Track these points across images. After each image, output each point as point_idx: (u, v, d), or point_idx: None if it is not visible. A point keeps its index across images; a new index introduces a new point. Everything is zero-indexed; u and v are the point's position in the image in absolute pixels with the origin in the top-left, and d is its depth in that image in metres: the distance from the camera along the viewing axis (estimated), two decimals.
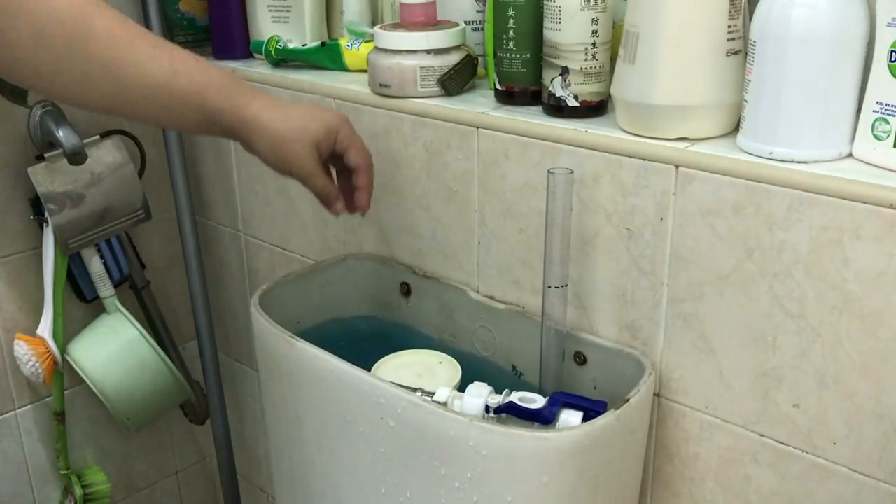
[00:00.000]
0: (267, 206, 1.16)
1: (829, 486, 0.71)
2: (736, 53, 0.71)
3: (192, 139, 1.23)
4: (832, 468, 0.70)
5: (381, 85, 0.92)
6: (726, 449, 0.76)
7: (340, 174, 0.85)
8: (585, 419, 0.73)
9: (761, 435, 0.74)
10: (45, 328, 1.16)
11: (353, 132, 0.83)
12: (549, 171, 0.74)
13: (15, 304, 1.18)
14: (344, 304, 1.02)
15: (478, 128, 0.85)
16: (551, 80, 0.80)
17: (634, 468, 0.80)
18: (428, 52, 0.89)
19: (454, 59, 0.89)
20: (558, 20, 0.78)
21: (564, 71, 0.79)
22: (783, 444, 0.73)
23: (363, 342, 1.01)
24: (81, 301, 1.22)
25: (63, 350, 1.18)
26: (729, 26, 0.70)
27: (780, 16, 0.65)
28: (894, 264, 0.62)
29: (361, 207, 0.85)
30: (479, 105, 0.87)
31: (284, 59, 1.08)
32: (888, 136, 0.64)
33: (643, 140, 0.74)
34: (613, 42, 0.79)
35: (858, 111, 0.67)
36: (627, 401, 0.73)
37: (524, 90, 0.85)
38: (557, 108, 0.81)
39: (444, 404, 0.75)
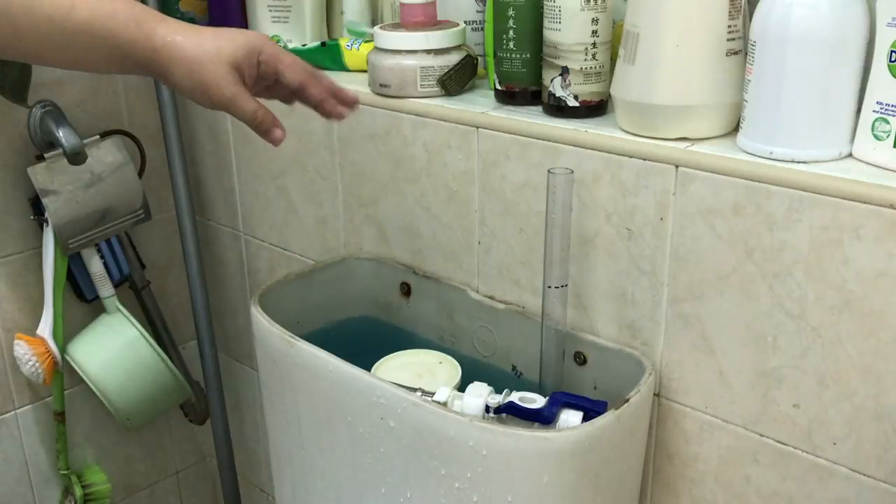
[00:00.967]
0: (267, 206, 1.15)
1: (829, 486, 0.71)
2: (736, 53, 0.71)
3: (191, 138, 1.23)
4: (832, 468, 0.70)
5: (381, 85, 0.92)
6: (726, 449, 0.76)
7: (295, 101, 0.79)
8: (585, 419, 0.73)
9: (761, 435, 0.74)
10: (45, 328, 1.16)
11: (279, 49, 0.76)
12: (549, 171, 0.74)
13: (15, 304, 1.18)
14: (344, 304, 1.02)
15: (478, 128, 0.85)
16: (551, 80, 0.80)
17: (634, 468, 0.80)
18: (428, 52, 0.89)
19: (454, 59, 0.89)
20: (558, 20, 0.78)
21: (564, 71, 0.79)
22: (783, 444, 0.73)
23: (363, 342, 1.01)
24: (81, 301, 1.22)
25: (63, 350, 1.18)
26: (729, 26, 0.70)
27: (781, 16, 0.65)
28: (894, 264, 0.62)
29: (347, 103, 0.77)
30: (479, 105, 0.87)
31: None
32: (888, 136, 0.64)
33: (643, 140, 0.74)
34: (613, 42, 0.79)
35: (858, 111, 0.67)
36: (627, 401, 0.73)
37: (524, 90, 0.85)
38: (557, 108, 0.81)
39: (444, 404, 0.75)
